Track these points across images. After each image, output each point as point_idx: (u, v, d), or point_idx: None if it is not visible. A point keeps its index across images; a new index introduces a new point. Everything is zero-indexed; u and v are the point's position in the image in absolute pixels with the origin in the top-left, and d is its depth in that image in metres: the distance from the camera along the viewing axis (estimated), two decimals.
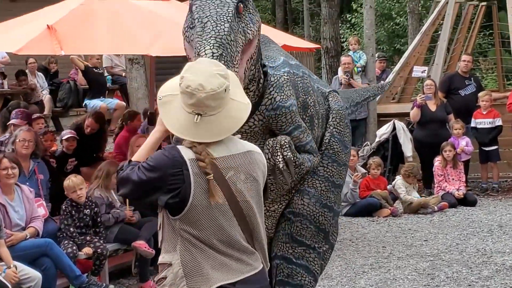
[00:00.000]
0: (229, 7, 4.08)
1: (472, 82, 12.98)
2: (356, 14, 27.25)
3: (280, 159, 4.42)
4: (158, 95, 3.36)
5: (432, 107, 12.16)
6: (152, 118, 9.74)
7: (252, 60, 4.24)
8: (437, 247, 8.87)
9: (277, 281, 4.87)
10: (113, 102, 14.77)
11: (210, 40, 3.88)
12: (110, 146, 12.43)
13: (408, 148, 12.31)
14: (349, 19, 27.78)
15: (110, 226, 7.76)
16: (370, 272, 7.86)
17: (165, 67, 14.20)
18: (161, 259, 3.30)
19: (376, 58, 14.21)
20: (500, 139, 12.50)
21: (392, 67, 16.29)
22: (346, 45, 22.89)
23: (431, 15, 15.46)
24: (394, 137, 12.43)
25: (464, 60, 13.12)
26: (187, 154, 3.22)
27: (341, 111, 5.13)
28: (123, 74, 15.89)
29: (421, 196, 11.31)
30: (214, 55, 3.81)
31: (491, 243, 8.95)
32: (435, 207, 10.99)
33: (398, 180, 11.34)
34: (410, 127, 12.54)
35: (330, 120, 5.05)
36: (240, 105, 3.30)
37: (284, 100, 4.51)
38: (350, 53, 13.65)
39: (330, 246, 5.06)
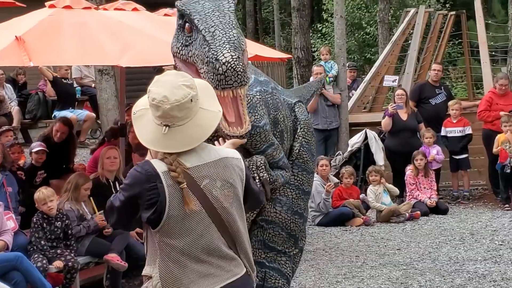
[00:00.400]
0: (230, 17, 4.22)
1: (443, 91, 13.06)
2: (326, 24, 27.33)
3: (256, 181, 4.55)
4: (133, 110, 3.43)
5: (403, 116, 12.21)
6: (122, 129, 9.65)
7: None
8: (410, 255, 8.88)
9: None
10: (83, 113, 14.68)
11: (225, 45, 3.98)
12: (79, 158, 12.34)
13: (380, 157, 12.34)
14: (319, 28, 27.86)
15: (81, 239, 7.67)
16: (343, 281, 7.84)
17: (135, 78, 14.18)
18: (144, 271, 3.41)
19: (347, 68, 14.23)
20: (470, 147, 12.57)
21: (363, 76, 16.36)
22: (317, 55, 22.95)
23: (401, 24, 15.57)
24: (366, 146, 12.45)
25: (435, 69, 13.20)
26: (160, 167, 3.27)
27: (308, 121, 5.31)
28: (93, 85, 15.78)
29: (393, 203, 11.32)
30: (233, 57, 3.91)
31: (463, 251, 8.97)
32: (407, 214, 11.00)
33: (368, 188, 11.36)
34: (381, 136, 12.57)
35: (298, 131, 5.20)
36: (209, 113, 3.35)
37: (258, 120, 4.66)
38: (322, 63, 13.66)
39: (300, 250, 5.24)
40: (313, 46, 24.40)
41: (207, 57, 4.03)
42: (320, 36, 28.10)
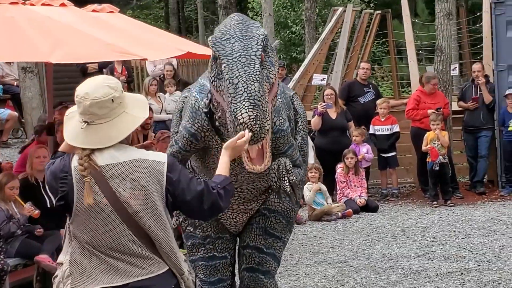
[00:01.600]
0: (255, 65, 4.29)
1: (371, 90, 13.16)
2: None
3: (287, 184, 4.73)
4: (66, 113, 3.67)
5: (333, 114, 12.24)
6: (50, 128, 9.39)
7: (275, 98, 4.58)
8: (344, 253, 8.89)
9: (248, 268, 5.31)
10: (5, 112, 14.26)
11: (244, 103, 4.14)
12: (3, 158, 12.02)
13: (310, 156, 12.28)
14: None
15: (11, 240, 7.43)
16: (279, 280, 7.77)
17: (58, 76, 13.86)
18: (58, 259, 3.60)
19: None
20: (398, 146, 12.69)
21: (289, 75, 16.34)
22: None
23: (329, 23, 15.62)
24: None
25: (363, 68, 13.29)
26: (74, 162, 3.45)
27: (305, 113, 5.50)
28: (15, 83, 15.38)
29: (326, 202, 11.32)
30: (250, 118, 4.10)
31: (396, 248, 9.03)
32: (339, 213, 11.03)
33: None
34: (311, 135, 12.57)
35: (299, 124, 5.35)
36: (130, 117, 3.51)
37: (282, 124, 4.86)
38: None
39: (290, 235, 5.58)
40: None
41: (229, 109, 4.20)
42: None
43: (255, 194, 5.17)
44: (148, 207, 3.43)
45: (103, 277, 3.39)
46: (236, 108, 4.16)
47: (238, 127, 4.13)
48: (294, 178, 4.77)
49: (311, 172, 11.28)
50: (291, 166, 4.81)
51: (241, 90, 4.19)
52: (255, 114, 4.12)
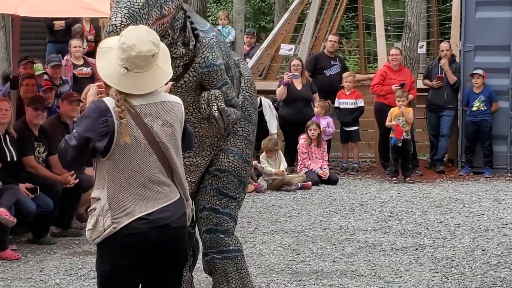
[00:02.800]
0: None
1: (337, 63, 13.19)
2: None
3: (215, 109, 5.17)
4: (99, 45, 3.92)
5: (298, 86, 12.27)
6: (14, 82, 9.30)
7: (163, 26, 4.80)
8: (301, 223, 8.96)
9: (207, 229, 5.62)
10: None
11: (123, 10, 4.41)
12: None
13: (273, 125, 12.38)
14: None
15: None
16: None
17: (24, 31, 13.67)
18: (93, 194, 3.90)
19: (245, 33, 14.17)
20: (361, 120, 12.77)
21: (257, 44, 16.31)
22: (212, 20, 22.79)
23: None
24: (260, 113, 12.41)
25: (331, 41, 13.31)
26: (111, 103, 3.80)
27: (251, 77, 5.86)
28: None
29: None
30: (122, 23, 4.35)
31: (353, 221, 9.12)
32: (299, 184, 11.10)
33: (261, 156, 11.39)
34: (275, 104, 12.60)
35: (242, 85, 5.75)
36: (162, 72, 3.88)
37: (215, 59, 5.24)
38: (219, 27, 13.54)
39: (244, 195, 5.84)
40: (208, 11, 24.20)
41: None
42: (215, 1, 27.93)
43: (199, 144, 5.46)
44: (173, 141, 3.89)
45: (136, 207, 3.79)
46: (114, 12, 4.44)
47: (109, 27, 4.41)
48: (223, 104, 5.16)
49: (266, 146, 11.32)
50: (221, 95, 5.20)
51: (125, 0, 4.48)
52: (128, 23, 4.36)
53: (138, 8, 4.47)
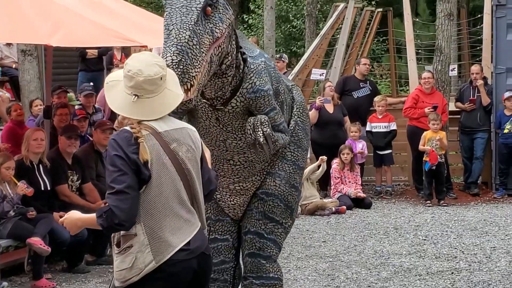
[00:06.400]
0: (192, 15, 4.55)
1: (367, 85, 13.17)
2: (253, 15, 27.27)
3: (260, 134, 5.09)
4: (106, 80, 3.92)
5: (330, 109, 12.26)
6: (47, 111, 9.39)
7: (220, 48, 4.75)
8: (336, 248, 8.91)
9: (250, 253, 5.55)
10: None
11: (171, 48, 4.37)
12: None
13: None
14: (246, 20, 27.78)
15: (3, 221, 7.43)
16: None
17: (57, 61, 13.83)
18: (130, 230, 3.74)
19: (277, 59, 14.21)
20: (394, 144, 12.71)
21: (289, 69, 16.33)
22: None
23: (330, 18, 15.62)
24: None
25: (365, 64, 13.30)
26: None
27: (304, 103, 5.80)
28: (14, 66, 15.34)
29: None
30: (173, 61, 4.29)
31: (388, 245, 9.05)
32: (333, 209, 11.05)
33: None
34: None
35: (294, 110, 5.69)
36: (173, 94, 3.88)
37: (263, 84, 5.18)
38: None
39: (293, 222, 5.78)
40: None
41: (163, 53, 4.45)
42: (246, 27, 28.04)
43: (248, 169, 5.43)
44: (196, 167, 3.88)
45: (174, 238, 3.73)
46: (164, 51, 4.42)
47: None
48: (268, 130, 5.10)
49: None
50: (268, 121, 5.14)
51: (172, 36, 4.44)
52: (178, 59, 4.33)
53: (185, 41, 4.40)
